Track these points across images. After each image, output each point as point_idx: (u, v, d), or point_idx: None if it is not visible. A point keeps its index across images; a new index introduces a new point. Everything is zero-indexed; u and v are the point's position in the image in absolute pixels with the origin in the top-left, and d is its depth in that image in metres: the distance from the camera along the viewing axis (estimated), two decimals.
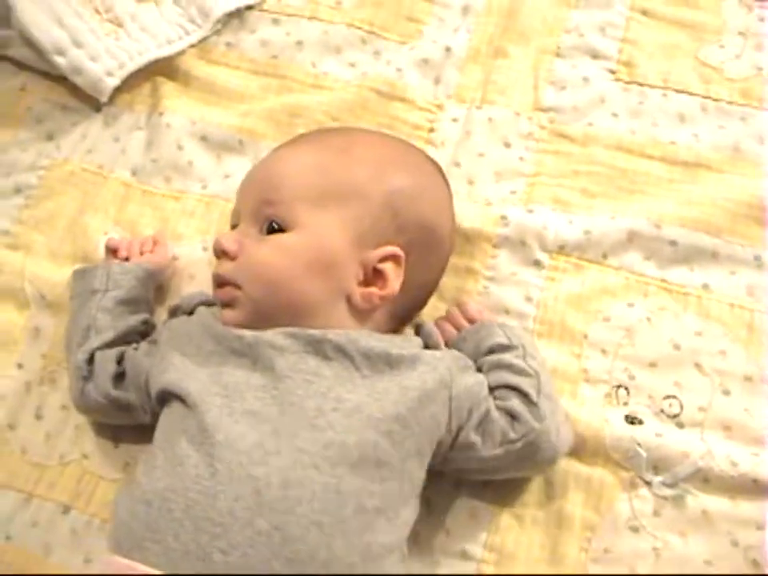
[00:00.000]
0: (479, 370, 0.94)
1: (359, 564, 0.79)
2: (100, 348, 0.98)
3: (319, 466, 0.80)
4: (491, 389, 0.92)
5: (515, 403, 0.90)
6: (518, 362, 0.93)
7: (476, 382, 0.91)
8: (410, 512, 0.86)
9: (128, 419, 0.98)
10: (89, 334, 0.99)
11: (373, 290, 0.91)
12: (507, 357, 0.94)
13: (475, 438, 0.89)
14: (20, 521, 0.99)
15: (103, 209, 1.17)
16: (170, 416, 0.88)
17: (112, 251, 1.08)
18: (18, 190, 1.19)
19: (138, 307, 1.04)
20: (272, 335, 0.87)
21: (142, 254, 1.09)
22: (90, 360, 0.98)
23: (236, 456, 0.80)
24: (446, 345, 0.97)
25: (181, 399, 0.86)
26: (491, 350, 0.95)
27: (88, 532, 0.98)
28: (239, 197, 0.98)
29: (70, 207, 1.18)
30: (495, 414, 0.90)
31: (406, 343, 0.91)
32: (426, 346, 0.93)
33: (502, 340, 0.96)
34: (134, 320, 1.01)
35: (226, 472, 0.79)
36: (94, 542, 0.97)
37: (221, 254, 0.92)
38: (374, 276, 0.91)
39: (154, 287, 1.08)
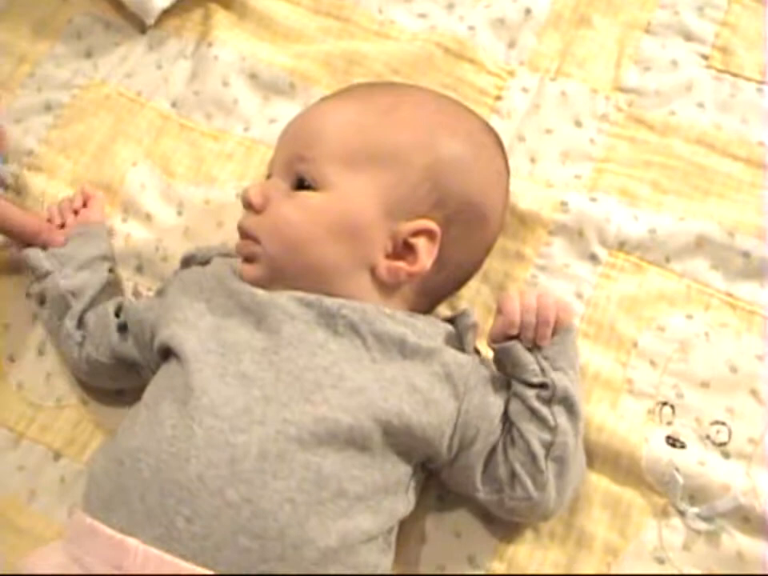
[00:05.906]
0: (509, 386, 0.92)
1: (335, 548, 0.79)
2: (87, 309, 1.00)
3: (304, 442, 0.80)
4: (509, 421, 0.90)
5: (520, 464, 0.88)
6: (542, 408, 0.88)
7: (495, 403, 0.90)
8: (398, 505, 0.86)
9: (136, 379, 0.97)
10: (68, 302, 1.00)
11: (401, 264, 0.90)
12: (532, 396, 0.89)
13: (478, 466, 0.89)
14: (6, 462, 1.00)
15: (136, 138, 1.18)
16: (164, 372, 0.89)
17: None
18: (47, 108, 1.20)
19: (101, 264, 1.05)
20: (286, 299, 0.87)
21: (76, 212, 1.09)
22: (79, 325, 1.00)
23: (218, 421, 0.81)
24: (492, 341, 0.93)
25: (176, 355, 0.87)
26: (522, 379, 0.91)
27: (77, 482, 0.98)
28: (276, 147, 0.98)
29: (100, 132, 1.18)
30: (500, 457, 0.88)
31: (430, 328, 0.91)
32: (459, 338, 0.92)
33: (535, 379, 0.89)
34: (102, 272, 1.04)
35: (204, 436, 0.80)
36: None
37: (247, 205, 0.93)
38: (403, 249, 0.91)
39: (106, 243, 1.09)
